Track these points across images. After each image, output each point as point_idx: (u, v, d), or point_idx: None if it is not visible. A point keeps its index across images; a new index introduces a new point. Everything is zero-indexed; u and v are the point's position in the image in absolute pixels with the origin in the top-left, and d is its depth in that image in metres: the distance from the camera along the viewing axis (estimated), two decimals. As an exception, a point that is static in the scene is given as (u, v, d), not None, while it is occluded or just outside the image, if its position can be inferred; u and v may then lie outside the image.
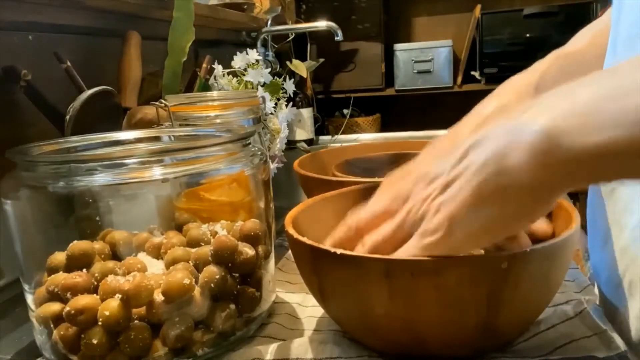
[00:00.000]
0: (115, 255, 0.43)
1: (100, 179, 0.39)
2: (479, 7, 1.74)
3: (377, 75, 1.89)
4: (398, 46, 1.86)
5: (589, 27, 0.56)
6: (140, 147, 0.52)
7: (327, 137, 1.66)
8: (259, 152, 0.48)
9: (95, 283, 0.39)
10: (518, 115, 0.31)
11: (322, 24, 1.39)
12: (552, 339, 0.39)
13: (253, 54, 1.02)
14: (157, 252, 0.44)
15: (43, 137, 0.49)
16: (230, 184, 0.47)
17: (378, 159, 0.79)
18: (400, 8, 2.05)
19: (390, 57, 1.89)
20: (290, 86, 1.09)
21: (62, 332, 0.38)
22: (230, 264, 0.42)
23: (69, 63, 0.66)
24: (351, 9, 1.87)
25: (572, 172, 0.29)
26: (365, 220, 0.40)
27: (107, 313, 0.36)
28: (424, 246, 0.34)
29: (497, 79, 1.74)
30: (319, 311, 0.48)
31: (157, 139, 0.54)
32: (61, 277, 0.39)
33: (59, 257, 0.42)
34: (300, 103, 1.47)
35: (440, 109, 1.98)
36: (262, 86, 0.99)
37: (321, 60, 1.58)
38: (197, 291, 0.40)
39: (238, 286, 0.43)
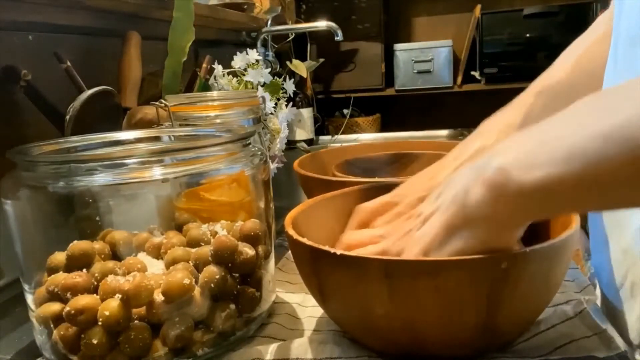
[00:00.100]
0: (115, 255, 0.43)
1: (100, 179, 0.39)
2: (479, 7, 1.73)
3: (377, 75, 1.88)
4: (398, 46, 1.86)
5: (571, 51, 0.53)
6: (140, 147, 0.52)
7: (327, 137, 1.66)
8: (259, 152, 0.48)
9: (95, 283, 0.39)
10: (487, 155, 0.33)
11: (322, 24, 1.39)
12: (552, 339, 0.39)
13: (253, 54, 1.02)
14: (157, 252, 0.44)
15: (43, 137, 0.49)
16: (230, 184, 0.47)
17: (378, 159, 0.79)
18: (400, 8, 2.05)
19: (390, 57, 1.88)
20: (290, 86, 1.09)
21: (62, 332, 0.38)
22: (230, 264, 0.42)
23: (69, 63, 0.66)
24: (351, 9, 1.87)
25: (525, 204, 0.31)
26: (356, 242, 0.44)
27: (107, 313, 0.36)
28: None
29: (497, 79, 1.75)
30: (319, 311, 0.48)
31: (157, 139, 0.54)
32: (61, 277, 0.39)
33: (59, 257, 0.42)
34: (300, 103, 1.47)
35: (440, 109, 1.98)
36: (262, 86, 0.99)
37: (321, 60, 1.58)
38: (197, 291, 0.40)
39: (238, 286, 0.43)
